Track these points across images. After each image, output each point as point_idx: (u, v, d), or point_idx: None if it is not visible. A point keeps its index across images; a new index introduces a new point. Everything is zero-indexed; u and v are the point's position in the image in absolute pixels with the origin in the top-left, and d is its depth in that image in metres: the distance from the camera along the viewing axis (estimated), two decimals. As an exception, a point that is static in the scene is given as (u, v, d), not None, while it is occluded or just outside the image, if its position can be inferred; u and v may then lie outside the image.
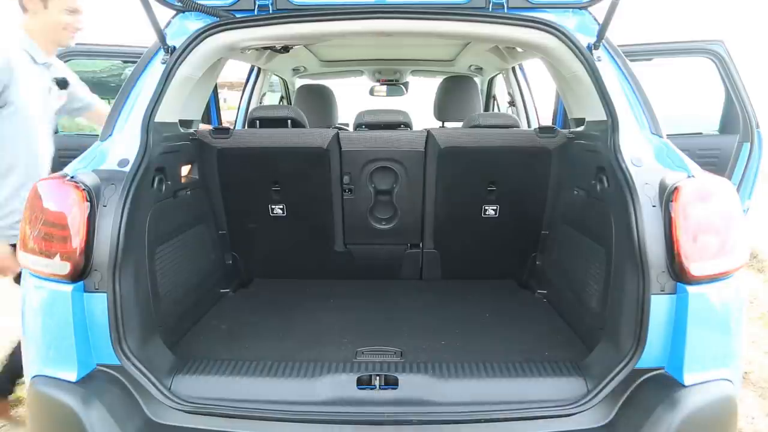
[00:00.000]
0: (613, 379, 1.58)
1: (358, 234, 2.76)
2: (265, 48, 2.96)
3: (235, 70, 3.68)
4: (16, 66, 2.18)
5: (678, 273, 1.54)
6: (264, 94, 3.81)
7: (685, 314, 1.54)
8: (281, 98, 5.12)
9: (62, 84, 2.41)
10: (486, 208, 2.67)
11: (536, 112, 4.07)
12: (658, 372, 1.59)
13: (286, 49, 3.10)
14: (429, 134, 2.62)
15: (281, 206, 2.63)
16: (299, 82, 4.72)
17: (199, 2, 1.91)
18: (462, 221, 2.72)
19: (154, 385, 1.59)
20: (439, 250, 2.81)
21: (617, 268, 1.73)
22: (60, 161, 3.30)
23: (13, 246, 2.10)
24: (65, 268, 1.57)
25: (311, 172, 2.59)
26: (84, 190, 1.60)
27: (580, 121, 2.26)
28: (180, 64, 1.93)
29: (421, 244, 2.91)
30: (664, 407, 1.48)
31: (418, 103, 5.66)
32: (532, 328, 2.14)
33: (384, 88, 4.95)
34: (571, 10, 1.97)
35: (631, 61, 1.98)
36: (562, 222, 2.42)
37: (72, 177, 1.64)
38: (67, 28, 2.31)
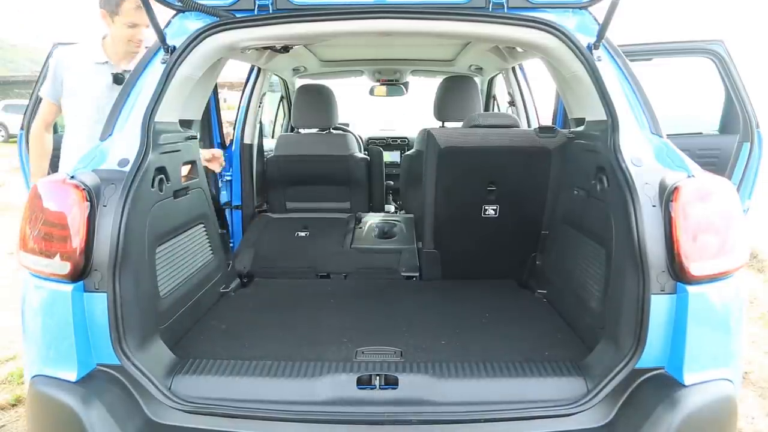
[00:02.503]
0: (613, 379, 1.58)
1: None
2: (265, 48, 2.96)
3: (235, 70, 3.67)
4: (72, 64, 2.60)
5: (678, 273, 1.54)
6: (264, 94, 3.80)
7: (685, 314, 1.54)
8: (281, 98, 5.13)
9: (117, 79, 2.58)
10: (486, 208, 2.67)
11: (536, 112, 4.07)
12: (658, 372, 1.59)
13: (286, 49, 3.10)
14: (429, 134, 2.63)
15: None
16: (299, 82, 4.72)
17: (199, 2, 1.91)
18: (462, 221, 2.72)
19: (154, 384, 1.59)
20: (439, 250, 2.82)
21: (617, 267, 1.73)
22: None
23: None
24: (65, 268, 1.57)
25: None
26: (84, 189, 1.60)
27: (580, 121, 2.27)
28: (180, 64, 1.93)
29: (421, 244, 2.91)
30: (664, 407, 1.48)
31: (418, 104, 5.69)
32: (532, 327, 2.14)
33: (384, 88, 4.96)
34: (571, 10, 1.97)
35: (631, 61, 1.98)
36: (562, 222, 2.42)
37: (72, 177, 1.64)
38: (132, 40, 2.59)
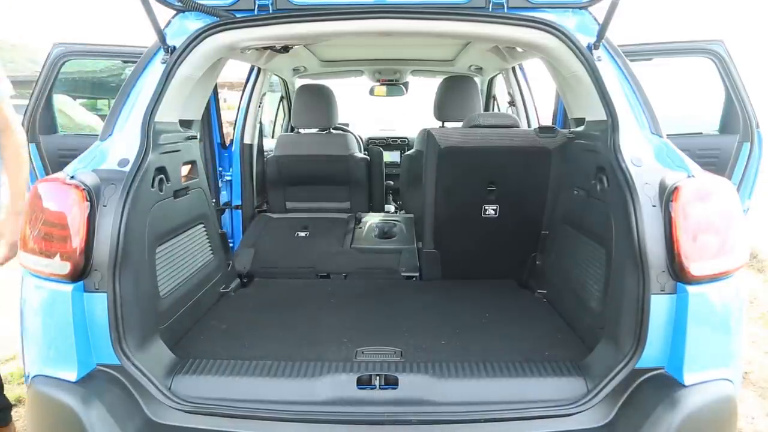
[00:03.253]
0: (613, 378, 1.58)
1: None
2: (265, 48, 2.96)
3: (235, 70, 3.67)
4: None
5: (678, 273, 1.54)
6: (264, 94, 3.80)
7: (685, 314, 1.54)
8: (281, 98, 5.12)
9: None
10: (486, 208, 2.67)
11: (536, 112, 4.07)
12: (658, 372, 1.59)
13: (286, 49, 3.10)
14: (429, 134, 2.63)
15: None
16: (299, 82, 4.72)
17: (199, 2, 1.91)
18: (462, 221, 2.72)
19: (154, 385, 1.59)
20: (439, 250, 2.82)
21: (617, 267, 1.73)
22: (60, 161, 3.30)
23: None
24: (65, 267, 1.57)
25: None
26: (84, 190, 1.60)
27: (580, 121, 2.27)
28: (180, 64, 1.93)
29: (420, 244, 2.91)
30: (664, 407, 1.48)
31: (418, 104, 5.69)
32: (532, 327, 2.14)
33: (384, 88, 4.96)
34: (571, 10, 1.97)
35: (631, 61, 1.98)
36: (562, 222, 2.42)
37: (72, 177, 1.64)
38: None
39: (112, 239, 1.61)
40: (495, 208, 2.67)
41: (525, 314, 2.31)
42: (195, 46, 1.94)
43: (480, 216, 2.68)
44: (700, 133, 3.83)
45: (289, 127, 4.81)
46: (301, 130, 3.91)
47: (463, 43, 3.60)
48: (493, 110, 4.87)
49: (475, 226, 2.71)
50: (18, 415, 2.69)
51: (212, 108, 3.39)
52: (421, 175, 2.78)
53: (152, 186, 1.88)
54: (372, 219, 3.54)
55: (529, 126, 3.99)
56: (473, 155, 2.58)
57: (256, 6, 1.96)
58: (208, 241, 2.44)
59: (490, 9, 1.94)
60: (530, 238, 2.70)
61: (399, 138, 5.73)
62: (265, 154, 3.79)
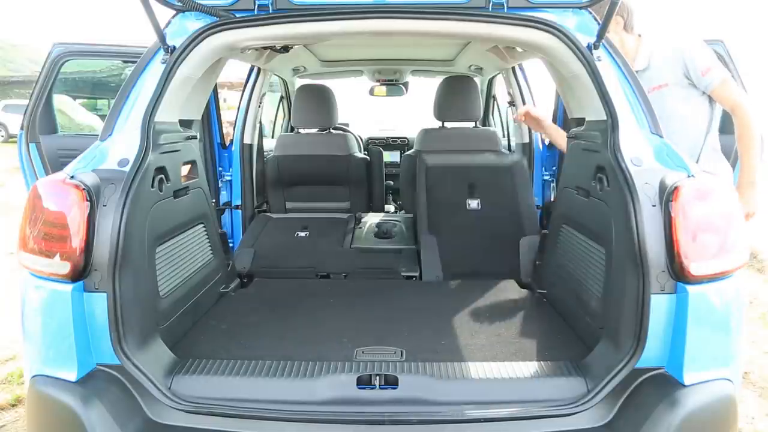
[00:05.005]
0: (613, 378, 1.58)
1: None
2: (265, 48, 2.96)
3: (235, 70, 3.68)
4: None
5: (678, 272, 1.54)
6: (264, 94, 3.80)
7: (685, 314, 1.54)
8: (281, 98, 5.13)
9: None
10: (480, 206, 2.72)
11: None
12: (658, 372, 1.59)
13: (286, 49, 3.10)
14: (419, 155, 2.68)
15: None
16: (299, 82, 4.72)
17: (199, 2, 1.91)
18: (462, 221, 2.73)
19: (154, 384, 1.59)
20: (439, 250, 2.82)
21: (617, 267, 1.73)
22: (60, 161, 3.30)
23: None
24: (65, 267, 1.57)
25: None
26: (84, 189, 1.60)
27: (580, 121, 2.27)
28: (180, 64, 1.93)
29: (420, 244, 2.92)
30: (664, 407, 1.48)
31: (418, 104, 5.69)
32: (532, 327, 2.14)
33: (384, 88, 4.96)
34: (571, 10, 1.97)
35: (631, 60, 1.99)
36: (562, 222, 2.42)
37: (72, 177, 1.64)
38: None
39: (112, 239, 1.61)
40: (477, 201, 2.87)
41: (525, 314, 2.31)
42: (195, 46, 1.94)
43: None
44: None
45: (289, 127, 4.82)
46: (301, 130, 3.91)
47: (463, 43, 3.60)
48: (493, 110, 4.88)
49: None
50: (18, 415, 2.69)
51: (212, 108, 3.39)
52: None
53: (152, 186, 1.89)
54: (372, 219, 3.54)
55: None
56: (457, 171, 2.84)
57: (256, 6, 1.96)
58: (208, 241, 2.44)
59: (490, 9, 1.94)
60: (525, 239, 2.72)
61: (399, 138, 5.73)
62: (265, 154, 3.80)
